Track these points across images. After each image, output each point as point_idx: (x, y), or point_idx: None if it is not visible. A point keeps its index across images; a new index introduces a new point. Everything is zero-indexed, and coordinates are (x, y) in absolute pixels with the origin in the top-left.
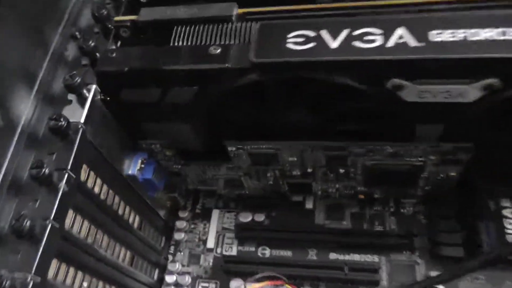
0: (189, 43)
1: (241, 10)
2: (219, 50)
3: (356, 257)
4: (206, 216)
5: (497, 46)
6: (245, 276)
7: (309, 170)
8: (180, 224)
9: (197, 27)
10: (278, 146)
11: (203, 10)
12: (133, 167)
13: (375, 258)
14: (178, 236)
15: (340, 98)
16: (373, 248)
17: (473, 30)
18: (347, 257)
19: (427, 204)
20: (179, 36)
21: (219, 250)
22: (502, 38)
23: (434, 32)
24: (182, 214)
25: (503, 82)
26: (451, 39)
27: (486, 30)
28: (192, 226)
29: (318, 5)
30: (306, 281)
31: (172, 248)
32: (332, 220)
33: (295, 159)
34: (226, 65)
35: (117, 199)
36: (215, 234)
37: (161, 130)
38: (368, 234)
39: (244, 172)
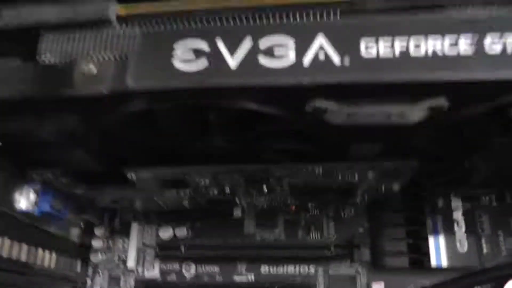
0: (58, 58)
1: (124, 9)
2: (93, 68)
3: (290, 269)
4: (124, 231)
5: (446, 62)
6: None
7: (228, 191)
8: (96, 243)
9: (67, 34)
10: (184, 171)
11: (75, 10)
12: (25, 202)
13: (311, 270)
14: (95, 257)
15: (252, 122)
16: (309, 260)
17: (415, 40)
18: (280, 271)
19: (370, 208)
20: (46, 48)
21: (140, 270)
22: (452, 51)
23: (364, 44)
24: (98, 231)
25: (451, 102)
26: (387, 55)
27: (433, 38)
28: (110, 243)
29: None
30: None
31: (90, 271)
32: (263, 228)
33: (208, 181)
34: (101, 90)
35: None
36: (135, 252)
37: (51, 157)
38: (303, 245)
39: (154, 193)
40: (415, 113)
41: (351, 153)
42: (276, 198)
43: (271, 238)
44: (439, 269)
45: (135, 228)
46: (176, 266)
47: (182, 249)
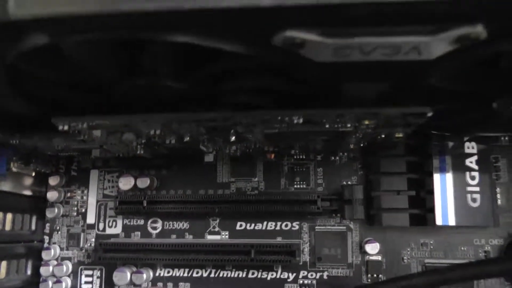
0: None
1: None
2: None
3: (270, 226)
4: (83, 180)
5: None
6: (133, 261)
7: (187, 139)
8: (52, 195)
9: None
10: (123, 122)
11: None
12: None
13: (294, 227)
14: (51, 212)
15: (205, 59)
16: (293, 215)
17: None
18: (258, 226)
19: (366, 152)
20: None
21: (101, 226)
22: None
23: None
24: (53, 181)
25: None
26: None
27: None
28: (68, 195)
29: None
30: (208, 263)
31: (47, 227)
32: (240, 177)
33: (159, 132)
34: None
35: None
36: (96, 205)
37: None
38: (286, 198)
39: (98, 143)
40: (438, 46)
41: (343, 96)
42: (250, 145)
43: (248, 188)
44: (445, 228)
45: (94, 176)
46: (140, 222)
47: (144, 202)
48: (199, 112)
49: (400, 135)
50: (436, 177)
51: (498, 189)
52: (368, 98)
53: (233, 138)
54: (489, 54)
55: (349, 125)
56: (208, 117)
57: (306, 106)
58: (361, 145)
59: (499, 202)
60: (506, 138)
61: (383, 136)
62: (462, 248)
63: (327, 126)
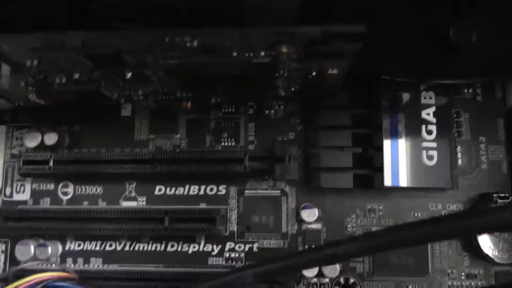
0: None
1: None
2: None
3: (193, 190)
4: None
5: None
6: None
7: (76, 76)
8: None
9: None
10: None
11: None
12: None
13: (220, 191)
14: None
15: None
16: (218, 176)
17: None
18: (180, 191)
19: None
20: None
21: (8, 191)
22: None
23: None
24: None
25: None
26: None
27: None
28: None
29: None
30: (123, 233)
31: None
32: (160, 133)
33: (36, 62)
34: None
35: None
36: (3, 166)
37: None
38: (210, 157)
39: None
40: None
41: (250, 11)
42: (158, 90)
43: (169, 146)
44: (396, 190)
45: (1, 132)
46: (50, 186)
47: (51, 163)
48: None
49: (335, 71)
50: (386, 131)
51: (458, 147)
52: (281, 18)
53: (129, 75)
54: None
55: (262, 54)
56: (72, 36)
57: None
58: (292, 89)
59: (459, 162)
60: (470, 91)
61: (313, 74)
62: (416, 214)
63: (234, 54)
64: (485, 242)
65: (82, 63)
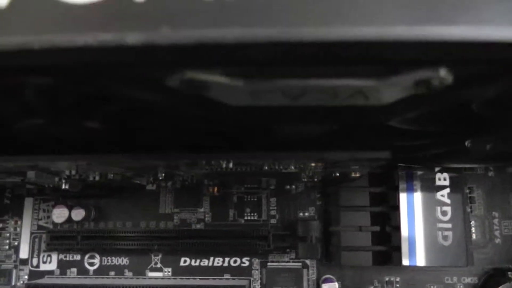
0: None
1: None
2: None
3: (217, 262)
4: (16, 209)
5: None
6: None
7: (111, 176)
8: None
9: None
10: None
11: None
12: None
13: (244, 263)
14: None
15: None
16: (242, 250)
17: None
18: (204, 262)
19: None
20: None
21: (35, 262)
22: None
23: None
24: None
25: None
26: None
27: None
28: (0, 225)
29: None
30: None
31: None
32: (184, 207)
33: (75, 172)
34: None
35: None
36: (30, 237)
37: None
38: (234, 233)
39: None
40: (390, 91)
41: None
42: (187, 179)
43: (193, 220)
44: (413, 269)
45: (29, 204)
46: (77, 257)
47: (79, 237)
48: (99, 154)
49: (358, 174)
50: (403, 211)
51: (472, 222)
52: (313, 137)
53: (161, 176)
54: (456, 99)
55: (292, 167)
56: (109, 159)
57: (240, 147)
58: (315, 180)
59: (473, 236)
60: (483, 167)
61: (337, 174)
62: (432, 287)
63: (265, 168)
64: None
65: (117, 169)
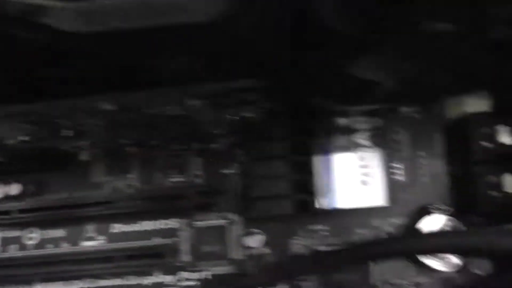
0: None
1: None
2: None
3: (148, 225)
4: None
5: None
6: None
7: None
8: None
9: None
10: None
11: None
12: None
13: (173, 224)
14: None
15: None
16: (168, 212)
17: None
18: (135, 227)
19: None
20: None
21: None
22: None
23: None
24: None
25: None
26: None
27: None
28: None
29: None
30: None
31: None
32: (114, 175)
33: None
34: None
35: None
36: None
37: None
38: (159, 194)
39: None
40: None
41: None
42: (102, 139)
43: (123, 186)
44: (337, 214)
45: None
46: (16, 233)
47: (15, 212)
48: None
49: (252, 114)
50: (321, 156)
51: (400, 165)
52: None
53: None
54: None
55: (170, 107)
56: None
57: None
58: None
59: (400, 178)
60: (408, 110)
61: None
62: (359, 231)
63: (150, 111)
64: None
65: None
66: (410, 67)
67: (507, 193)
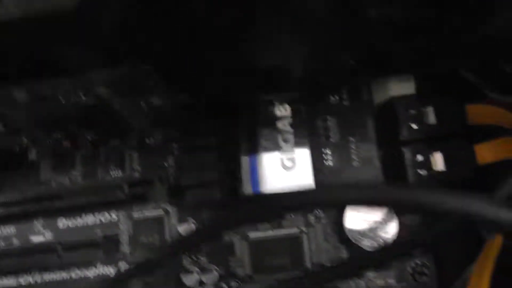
0: None
1: None
2: None
3: (90, 219)
4: None
5: None
6: None
7: None
8: None
9: None
10: None
11: None
12: None
13: (113, 217)
14: None
15: None
16: (108, 204)
17: None
18: (79, 223)
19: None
20: None
21: None
22: None
23: None
24: None
25: None
26: None
27: None
28: None
29: None
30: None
31: None
32: (60, 172)
33: None
34: None
35: None
36: None
37: None
38: (98, 187)
39: None
40: None
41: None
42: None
43: (67, 182)
44: (259, 197)
45: None
46: None
47: None
48: None
49: (157, 101)
50: (244, 144)
51: (328, 150)
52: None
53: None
54: None
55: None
56: None
57: None
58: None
59: (330, 163)
60: (336, 97)
61: (141, 104)
62: (290, 215)
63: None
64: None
65: None
66: (307, 51)
67: (435, 171)
